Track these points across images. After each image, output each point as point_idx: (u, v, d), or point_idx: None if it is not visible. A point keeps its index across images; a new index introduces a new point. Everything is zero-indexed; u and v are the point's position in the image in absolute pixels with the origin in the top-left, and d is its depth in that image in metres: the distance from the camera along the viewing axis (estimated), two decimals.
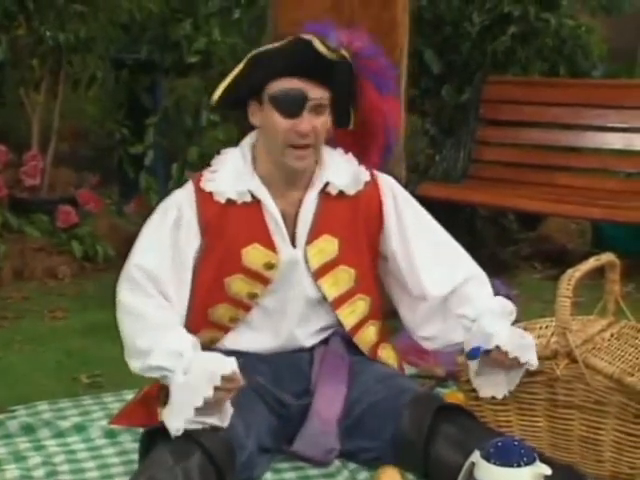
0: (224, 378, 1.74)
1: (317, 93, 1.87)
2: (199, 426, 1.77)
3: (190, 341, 1.86)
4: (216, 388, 1.74)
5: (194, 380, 1.76)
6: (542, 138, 3.85)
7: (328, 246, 1.97)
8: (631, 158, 3.68)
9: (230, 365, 1.76)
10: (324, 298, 1.99)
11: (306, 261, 1.97)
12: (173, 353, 1.82)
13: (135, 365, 1.91)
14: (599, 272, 2.05)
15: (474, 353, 1.92)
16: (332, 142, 2.02)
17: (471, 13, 4.01)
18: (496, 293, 2.31)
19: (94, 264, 3.57)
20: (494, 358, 1.90)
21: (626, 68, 5.15)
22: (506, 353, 1.87)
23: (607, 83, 4.00)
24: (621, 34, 5.14)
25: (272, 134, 1.91)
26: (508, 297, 2.67)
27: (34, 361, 2.72)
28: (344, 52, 1.92)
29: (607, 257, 2.04)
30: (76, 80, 4.00)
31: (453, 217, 3.76)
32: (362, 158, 2.05)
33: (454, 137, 3.85)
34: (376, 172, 2.05)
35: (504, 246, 3.87)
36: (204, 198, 1.95)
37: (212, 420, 1.79)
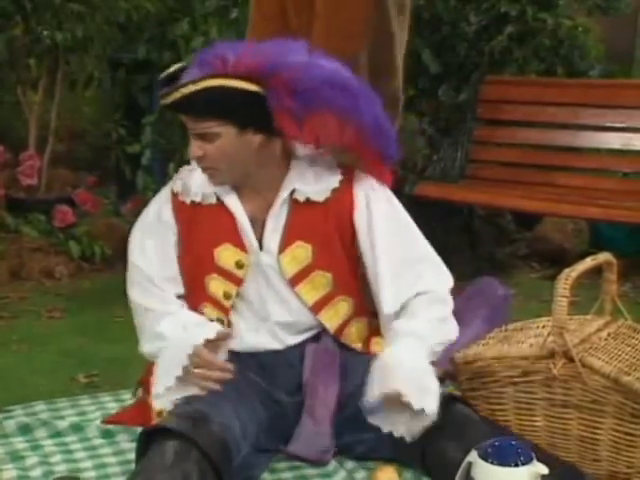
0: (207, 342, 1.84)
1: (194, 124, 1.88)
2: (177, 396, 1.85)
3: (197, 317, 1.95)
4: (197, 354, 1.83)
5: (175, 346, 1.87)
6: (539, 138, 3.85)
7: (301, 253, 1.96)
8: (629, 158, 3.68)
9: (214, 329, 1.86)
10: (304, 304, 1.99)
11: (280, 269, 1.96)
12: (179, 324, 1.92)
13: (145, 348, 2.00)
14: (596, 272, 2.05)
15: (365, 404, 1.85)
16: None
17: (468, 13, 4.01)
18: (494, 293, 2.30)
19: (91, 264, 3.57)
20: (387, 396, 1.83)
21: (623, 68, 5.16)
22: (399, 394, 1.81)
23: (604, 83, 4.00)
24: (618, 34, 5.14)
25: None
26: (505, 297, 2.69)
27: (31, 361, 2.72)
28: (213, 82, 1.80)
29: (604, 257, 2.04)
30: (73, 80, 4.00)
31: (450, 217, 3.77)
32: (363, 168, 2.00)
33: (451, 137, 3.85)
34: (356, 179, 1.99)
35: (501, 246, 3.87)
36: (175, 198, 2.01)
37: (190, 391, 1.86)
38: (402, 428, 1.86)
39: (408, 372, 1.83)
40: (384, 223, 1.99)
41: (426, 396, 1.82)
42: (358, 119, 1.87)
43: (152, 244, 2.01)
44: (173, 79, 1.88)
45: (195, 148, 1.89)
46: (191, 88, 1.82)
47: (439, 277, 2.01)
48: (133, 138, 3.93)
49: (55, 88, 3.92)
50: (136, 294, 2.02)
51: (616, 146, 3.68)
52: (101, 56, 3.96)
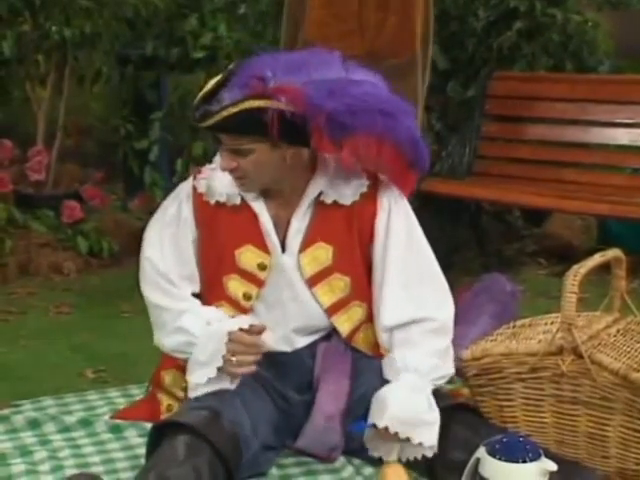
0: (241, 331, 1.85)
1: (228, 141, 1.89)
2: (211, 389, 1.86)
3: (218, 312, 1.95)
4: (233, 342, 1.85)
5: (210, 337, 1.88)
6: (548, 134, 3.83)
7: (322, 254, 1.96)
8: (638, 154, 3.66)
9: (245, 320, 1.89)
10: (320, 306, 1.99)
11: (300, 269, 1.96)
12: (201, 319, 1.93)
13: (165, 342, 2.00)
14: (605, 268, 2.05)
15: (357, 428, 1.88)
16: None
17: (477, 8, 4.00)
18: (502, 289, 2.29)
19: (99, 259, 3.58)
20: (382, 434, 1.85)
21: (633, 64, 5.13)
22: (395, 433, 1.83)
23: (614, 79, 3.97)
24: (628, 29, 5.12)
25: None
26: (513, 293, 2.68)
27: (39, 356, 2.73)
28: (248, 104, 1.81)
29: (613, 253, 2.04)
30: (81, 76, 4.00)
31: (458, 213, 3.76)
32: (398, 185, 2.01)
33: (459, 133, 3.84)
34: (381, 185, 1.99)
35: (509, 242, 3.86)
36: (197, 197, 2.00)
37: (224, 384, 1.87)
38: (394, 454, 1.88)
39: (405, 411, 1.84)
40: (401, 236, 1.98)
41: (424, 430, 1.84)
42: (395, 137, 1.87)
43: (169, 241, 1.99)
44: (210, 97, 1.87)
45: (228, 160, 1.90)
46: (231, 110, 1.83)
47: (443, 304, 1.98)
48: (141, 134, 3.93)
49: (63, 84, 3.93)
50: (151, 291, 2.00)
51: (625, 142, 3.66)
52: (109, 52, 3.96)
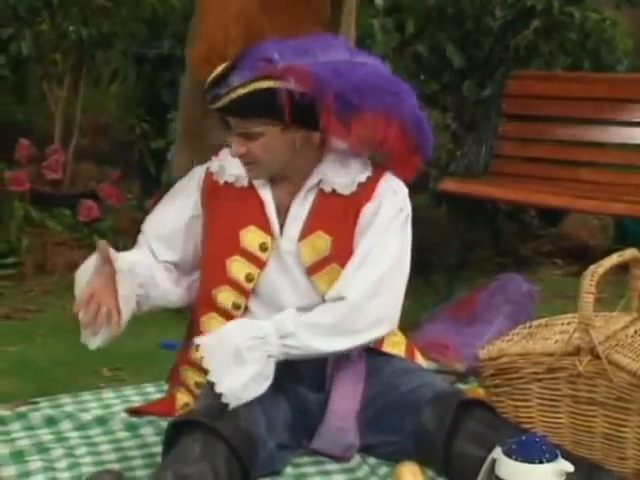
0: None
1: (238, 124, 1.91)
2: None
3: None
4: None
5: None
6: (565, 133, 3.81)
7: (321, 243, 1.97)
8: None
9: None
10: (317, 294, 1.98)
11: (299, 256, 1.97)
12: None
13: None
14: (622, 268, 2.03)
15: (168, 345, 1.87)
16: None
17: (493, 7, 3.98)
18: (517, 289, 2.27)
19: None
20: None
21: None
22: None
23: (632, 78, 3.94)
24: None
25: None
26: (530, 293, 2.67)
27: (56, 354, 2.74)
28: (260, 84, 1.84)
29: (631, 253, 2.02)
30: (98, 75, 4.02)
31: (474, 213, 3.74)
32: (401, 168, 2.01)
33: (475, 132, 3.82)
34: (384, 177, 1.99)
35: (525, 242, 3.84)
36: (208, 177, 2.06)
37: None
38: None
39: (225, 341, 1.81)
40: (382, 226, 1.95)
41: (223, 375, 1.79)
42: (401, 115, 1.91)
43: (163, 207, 2.07)
44: (219, 81, 1.90)
45: (237, 146, 1.93)
46: (240, 92, 1.85)
47: (365, 291, 1.91)
48: (157, 133, 3.94)
49: (80, 83, 3.95)
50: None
51: None
52: (126, 51, 3.98)
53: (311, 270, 1.98)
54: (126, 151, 4.41)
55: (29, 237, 3.51)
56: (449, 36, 3.95)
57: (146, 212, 3.85)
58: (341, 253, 1.97)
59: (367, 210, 1.97)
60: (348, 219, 1.98)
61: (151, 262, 2.04)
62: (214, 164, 2.05)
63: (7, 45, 3.85)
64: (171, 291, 2.06)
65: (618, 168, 3.70)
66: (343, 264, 1.96)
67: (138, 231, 2.11)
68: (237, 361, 1.80)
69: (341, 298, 1.91)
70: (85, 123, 4.17)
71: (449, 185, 3.39)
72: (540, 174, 3.64)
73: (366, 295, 1.91)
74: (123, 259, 1.98)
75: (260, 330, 1.85)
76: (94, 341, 1.96)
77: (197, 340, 1.86)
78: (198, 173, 2.08)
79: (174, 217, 2.06)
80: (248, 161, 1.95)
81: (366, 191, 1.98)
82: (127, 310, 1.95)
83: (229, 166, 2.02)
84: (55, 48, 3.85)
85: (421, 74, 4.00)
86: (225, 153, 2.05)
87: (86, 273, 1.96)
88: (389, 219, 1.96)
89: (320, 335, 1.88)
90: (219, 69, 1.91)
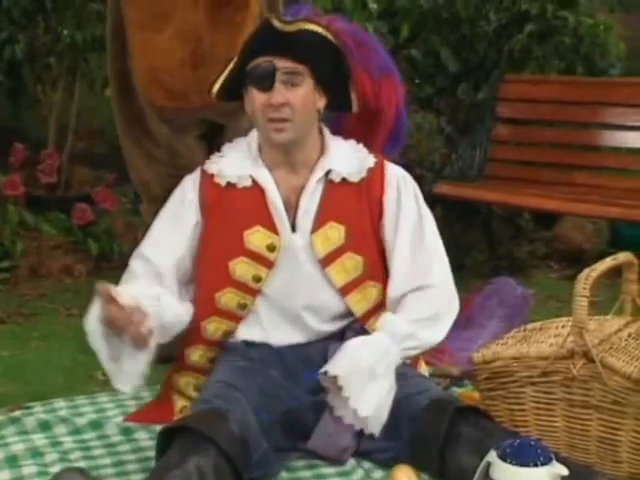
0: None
1: (286, 63, 1.92)
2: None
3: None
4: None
5: None
6: (559, 137, 3.82)
7: (334, 234, 1.98)
8: None
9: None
10: (333, 286, 1.99)
11: (312, 249, 1.97)
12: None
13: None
14: (616, 272, 2.04)
15: (310, 376, 1.87)
16: (340, 129, 2.06)
17: (488, 11, 3.99)
18: (512, 292, 2.28)
19: (110, 262, 3.58)
20: (322, 381, 1.85)
21: None
22: (335, 379, 1.82)
23: (625, 82, 3.96)
24: None
25: (255, 112, 1.96)
26: (524, 297, 2.67)
27: (50, 358, 2.74)
28: (311, 26, 1.94)
29: (625, 256, 2.03)
30: (92, 79, 4.02)
31: (469, 216, 3.75)
32: (369, 144, 2.07)
33: (470, 136, 3.83)
34: (386, 161, 2.06)
35: (520, 245, 3.85)
36: (207, 180, 2.03)
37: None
38: (342, 412, 1.87)
39: (356, 366, 1.83)
40: (411, 217, 2.03)
41: (363, 398, 1.82)
42: (393, 78, 2.11)
43: (165, 219, 2.05)
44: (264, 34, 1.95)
45: (277, 95, 1.92)
46: (302, 26, 1.92)
47: (442, 272, 2.03)
48: None
49: (74, 87, 3.94)
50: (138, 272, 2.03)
51: (636, 145, 3.64)
52: None
53: (325, 261, 1.98)
54: (120, 155, 4.41)
55: (23, 241, 3.50)
56: (444, 40, 3.96)
57: (140, 216, 3.88)
58: (355, 241, 1.99)
59: (389, 201, 2.01)
60: (361, 206, 2.01)
61: (157, 291, 1.99)
62: (211, 166, 2.04)
63: (1, 49, 3.84)
64: (182, 311, 2.02)
65: (612, 172, 3.72)
66: (358, 251, 1.99)
67: (133, 235, 2.11)
68: (372, 382, 1.83)
69: (428, 286, 1.96)
70: (79, 127, 4.16)
71: (443, 189, 3.40)
72: (534, 178, 3.65)
73: (444, 276, 2.01)
74: (126, 295, 1.89)
75: (380, 344, 1.87)
76: (126, 383, 1.92)
77: (331, 370, 1.83)
78: (190, 179, 2.05)
79: (179, 240, 2.02)
80: (284, 116, 1.93)
81: (375, 177, 2.02)
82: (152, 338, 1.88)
83: (224, 167, 2.02)
84: (49, 52, 3.84)
85: (416, 78, 4.01)
86: (217, 157, 2.05)
87: (95, 322, 1.87)
88: (412, 203, 2.04)
89: (430, 327, 1.95)
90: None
